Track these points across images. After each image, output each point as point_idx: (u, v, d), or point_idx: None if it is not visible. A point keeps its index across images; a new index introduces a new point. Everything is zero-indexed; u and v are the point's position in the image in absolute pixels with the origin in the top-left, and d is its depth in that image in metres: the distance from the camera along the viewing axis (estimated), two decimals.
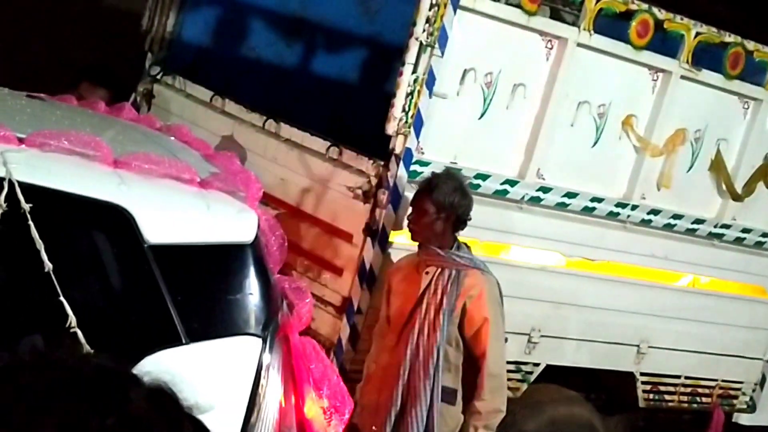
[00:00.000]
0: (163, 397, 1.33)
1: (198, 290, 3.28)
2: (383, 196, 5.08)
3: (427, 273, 4.65)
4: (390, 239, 5.10)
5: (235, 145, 5.56)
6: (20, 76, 4.66)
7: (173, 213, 3.29)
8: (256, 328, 3.29)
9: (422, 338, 4.54)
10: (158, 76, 6.20)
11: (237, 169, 3.61)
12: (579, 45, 5.40)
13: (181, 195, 3.32)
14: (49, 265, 3.02)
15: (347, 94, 6.75)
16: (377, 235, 5.09)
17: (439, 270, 4.63)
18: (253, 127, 5.68)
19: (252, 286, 3.32)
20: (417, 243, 4.76)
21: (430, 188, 4.66)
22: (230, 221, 3.36)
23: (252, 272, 3.32)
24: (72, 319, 3.04)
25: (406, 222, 4.86)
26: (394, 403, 4.54)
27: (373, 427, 4.62)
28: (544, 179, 5.56)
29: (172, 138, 3.93)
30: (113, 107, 4.24)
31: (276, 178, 5.45)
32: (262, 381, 3.24)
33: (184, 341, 3.19)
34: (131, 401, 1.29)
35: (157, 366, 3.15)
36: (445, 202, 4.62)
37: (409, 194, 5.01)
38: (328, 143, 5.34)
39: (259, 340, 3.27)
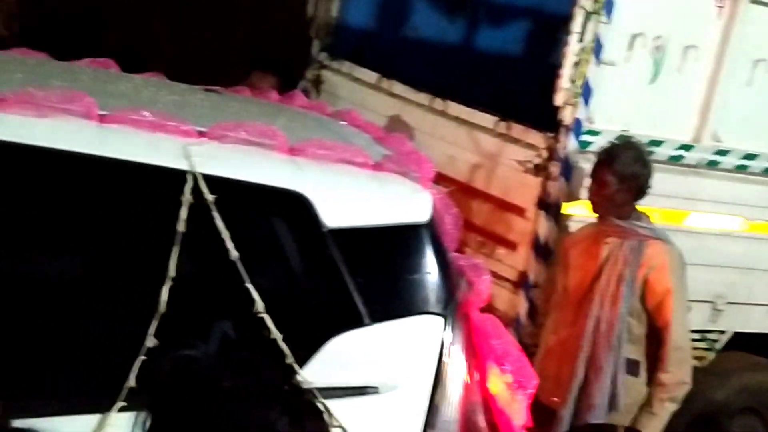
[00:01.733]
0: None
1: (378, 271, 3.31)
2: (554, 169, 5.04)
3: (606, 244, 4.58)
4: (563, 211, 5.06)
5: (403, 125, 5.60)
6: (192, 69, 4.80)
7: (349, 197, 3.33)
8: (436, 306, 3.30)
9: (603, 310, 4.48)
10: (325, 62, 6.29)
11: (409, 150, 3.64)
12: (752, 1, 5.22)
13: (355, 179, 3.37)
14: (235, 254, 3.11)
15: (513, 67, 6.71)
16: (550, 207, 5.05)
17: (620, 241, 4.55)
18: (421, 106, 5.71)
19: (430, 265, 3.33)
20: (594, 214, 4.69)
21: (610, 159, 4.57)
22: (405, 202, 3.38)
23: (429, 251, 3.34)
24: (260, 304, 3.12)
25: (585, 193, 4.79)
26: (577, 376, 4.50)
27: (555, 400, 4.59)
28: (720, 142, 5.40)
29: (343, 122, 3.99)
30: (285, 95, 4.33)
31: (445, 156, 5.47)
32: (446, 358, 3.26)
33: (366, 322, 3.23)
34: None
35: (342, 347, 3.21)
36: (625, 172, 4.53)
37: (581, 165, 4.96)
38: (497, 118, 5.33)
39: (441, 319, 3.29)
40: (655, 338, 4.54)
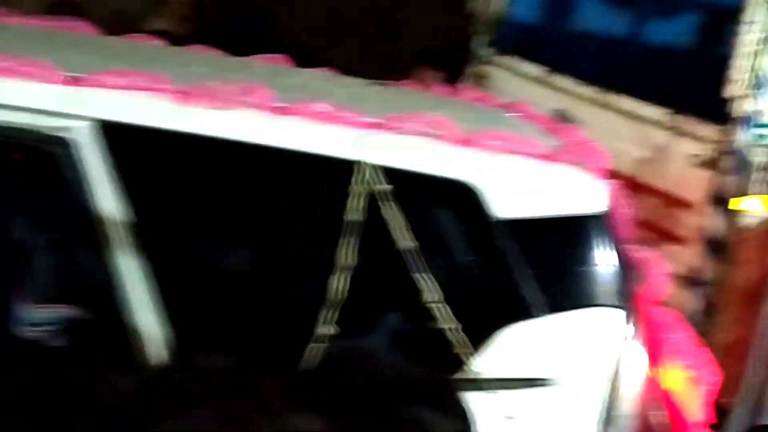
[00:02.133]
0: None
1: (553, 263, 3.28)
2: (726, 162, 4.91)
3: None
4: (735, 206, 4.92)
5: (569, 116, 5.54)
6: (359, 66, 4.85)
7: (522, 187, 3.31)
8: (613, 298, 3.25)
9: None
10: (489, 57, 6.27)
11: (582, 141, 3.59)
12: None
13: (528, 169, 3.34)
14: (412, 244, 3.13)
15: (682, 60, 6.54)
16: (721, 202, 4.92)
17: None
18: (587, 100, 5.63)
19: (606, 257, 3.28)
20: None
21: None
22: (580, 193, 3.34)
23: (605, 243, 3.29)
24: (435, 294, 3.13)
25: (758, 188, 4.65)
26: (755, 374, 4.37)
27: (727, 400, 4.46)
28: None
29: (514, 113, 3.96)
30: (452, 88, 4.33)
31: (612, 151, 5.37)
32: (624, 352, 3.20)
33: (540, 314, 3.20)
34: None
35: (514, 339, 3.19)
36: None
37: (754, 159, 4.83)
38: (667, 111, 5.21)
39: (618, 311, 3.23)
40: None
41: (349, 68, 4.27)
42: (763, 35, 4.77)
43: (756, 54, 4.80)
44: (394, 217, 3.16)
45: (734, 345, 4.53)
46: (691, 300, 4.98)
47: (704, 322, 4.88)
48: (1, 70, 3.02)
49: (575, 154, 3.41)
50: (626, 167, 5.35)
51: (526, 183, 3.32)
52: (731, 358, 4.51)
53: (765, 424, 4.39)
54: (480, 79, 6.30)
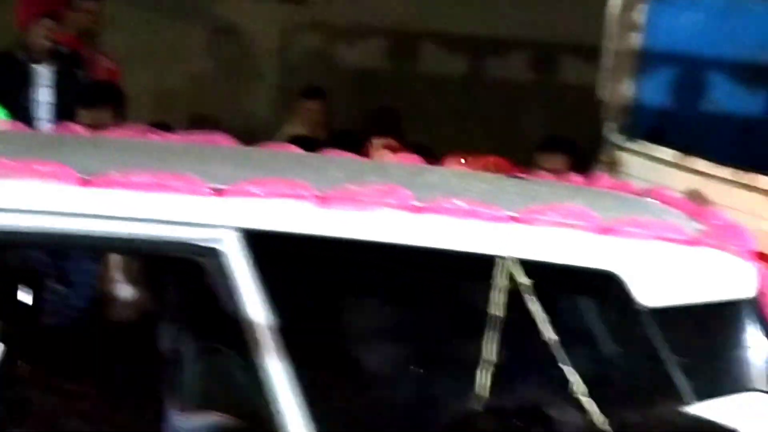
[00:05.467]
0: None
1: (702, 350, 3.22)
2: None
3: None
4: None
5: (706, 201, 5.44)
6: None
7: (666, 274, 3.26)
8: (764, 384, 3.17)
9: None
10: (621, 143, 6.24)
11: (726, 224, 3.53)
12: None
13: (673, 255, 3.29)
14: (553, 337, 3.11)
15: None
16: None
17: None
18: (726, 181, 5.53)
19: (758, 341, 3.21)
20: None
21: None
22: (727, 277, 3.28)
23: (757, 327, 3.22)
24: (579, 386, 3.09)
25: None
26: None
27: None
28: None
29: (653, 200, 3.93)
30: (587, 177, 4.32)
31: (757, 232, 5.25)
32: None
33: (690, 401, 3.13)
34: None
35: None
36: None
37: None
38: None
39: None
40: None
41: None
42: None
43: None
44: (536, 310, 3.14)
45: None
46: None
47: None
48: (151, 185, 3.13)
49: (720, 237, 3.36)
50: None
51: (671, 269, 3.27)
52: None
53: None
54: (613, 166, 6.26)
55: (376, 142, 5.96)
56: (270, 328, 3.15)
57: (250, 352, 3.15)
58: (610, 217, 3.36)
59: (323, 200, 3.20)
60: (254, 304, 3.13)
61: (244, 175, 3.32)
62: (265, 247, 3.18)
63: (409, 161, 4.46)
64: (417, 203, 3.27)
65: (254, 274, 3.15)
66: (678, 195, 4.26)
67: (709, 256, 3.30)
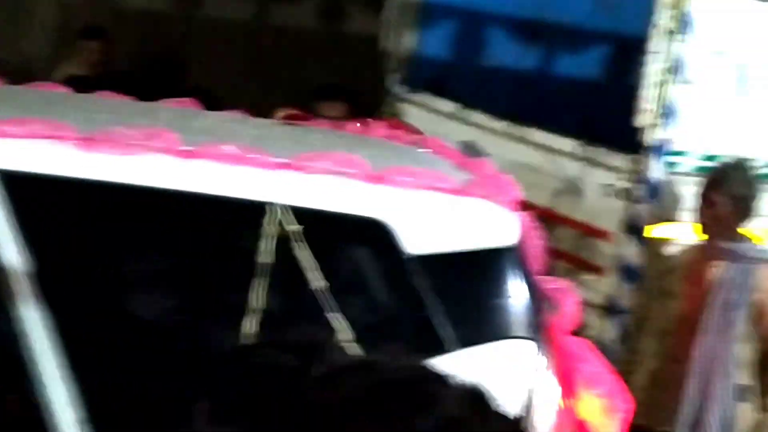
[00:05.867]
0: (477, 397, 1.32)
1: (463, 297, 3.29)
2: (640, 191, 4.96)
3: (715, 267, 4.43)
4: (649, 234, 4.98)
5: (483, 153, 5.57)
6: (267, 106, 4.84)
7: (433, 223, 3.31)
8: (525, 330, 3.26)
9: (716, 337, 4.33)
10: (402, 94, 6.31)
11: (493, 174, 3.61)
12: None
13: (439, 204, 3.35)
14: (322, 283, 3.11)
15: (592, 91, 6.65)
16: (637, 231, 4.97)
17: (730, 264, 4.40)
18: (501, 134, 5.68)
19: (518, 289, 3.30)
20: (703, 236, 4.56)
21: (721, 180, 4.47)
22: (491, 226, 3.35)
23: (517, 275, 3.31)
24: (345, 333, 3.11)
25: (694, 216, 4.68)
26: (691, 404, 4.35)
27: (666, 429, 4.45)
28: None
29: (424, 149, 3.98)
30: (364, 125, 4.33)
31: (526, 183, 5.41)
32: (537, 384, 3.21)
33: (453, 348, 3.20)
34: (448, 402, 1.29)
35: None
36: (737, 193, 4.42)
37: (668, 186, 4.89)
38: (578, 143, 5.27)
39: (530, 343, 3.24)
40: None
41: (259, 109, 4.27)
42: (668, 65, 4.85)
43: (662, 83, 4.87)
44: (305, 257, 3.13)
45: (670, 374, 4.50)
46: (610, 329, 5.02)
47: (621, 351, 4.91)
48: None
49: (485, 187, 3.43)
50: (542, 199, 5.40)
51: (437, 218, 3.32)
52: (665, 386, 4.49)
53: None
54: (394, 116, 6.31)
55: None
56: (28, 275, 3.02)
57: (6, 300, 3.02)
58: (379, 166, 3.37)
59: (85, 142, 3.09)
60: (10, 248, 3.00)
61: (4, 115, 3.16)
62: (23, 189, 3.05)
63: (185, 105, 4.35)
64: (185, 148, 3.20)
65: (11, 217, 3.02)
66: (450, 145, 4.34)
67: (473, 205, 3.36)
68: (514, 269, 3.30)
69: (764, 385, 4.41)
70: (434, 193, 3.34)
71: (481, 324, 3.29)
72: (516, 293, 3.29)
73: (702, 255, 4.53)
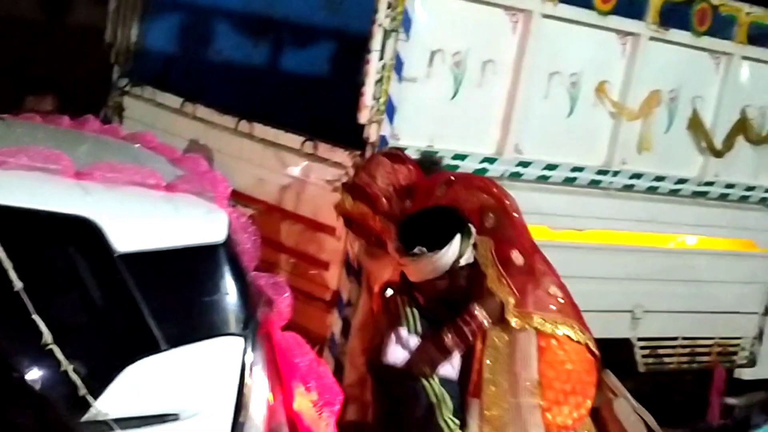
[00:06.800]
0: None
1: (173, 295, 3.23)
2: None
3: None
4: None
5: (208, 149, 5.53)
6: None
7: (140, 219, 3.25)
8: (236, 327, 3.25)
9: None
10: (126, 88, 6.17)
11: (204, 171, 3.58)
12: (544, 16, 5.37)
13: (147, 201, 3.28)
14: (18, 284, 2.99)
15: (319, 87, 6.74)
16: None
17: None
18: (227, 129, 5.64)
19: (228, 285, 3.28)
20: None
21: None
22: (199, 222, 3.32)
23: (227, 272, 3.28)
24: (47, 336, 3.00)
25: None
26: None
27: None
28: (522, 154, 5.52)
29: (137, 145, 3.90)
30: (77, 120, 4.20)
31: (254, 179, 5.42)
32: (247, 380, 3.21)
33: (163, 347, 3.15)
34: None
35: (139, 375, 3.12)
36: None
37: None
38: (303, 138, 5.31)
39: (241, 339, 3.23)
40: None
41: None
42: (389, 62, 4.95)
43: (383, 80, 4.97)
44: (1, 257, 2.99)
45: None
46: (334, 323, 5.09)
47: (343, 344, 4.99)
48: None
49: (196, 183, 3.39)
50: (269, 195, 5.41)
51: (145, 215, 3.26)
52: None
53: None
54: (119, 111, 6.18)
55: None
56: None
57: None
58: (86, 162, 3.27)
59: None
60: None
61: None
62: None
63: None
64: None
65: None
66: (171, 143, 4.27)
67: (183, 201, 3.32)
68: (224, 266, 3.28)
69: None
70: (143, 189, 3.28)
71: (192, 322, 3.25)
72: (226, 290, 3.27)
73: None
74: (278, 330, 3.31)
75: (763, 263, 6.66)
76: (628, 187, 5.92)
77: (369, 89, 4.98)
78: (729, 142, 6.27)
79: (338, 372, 4.73)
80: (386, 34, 4.95)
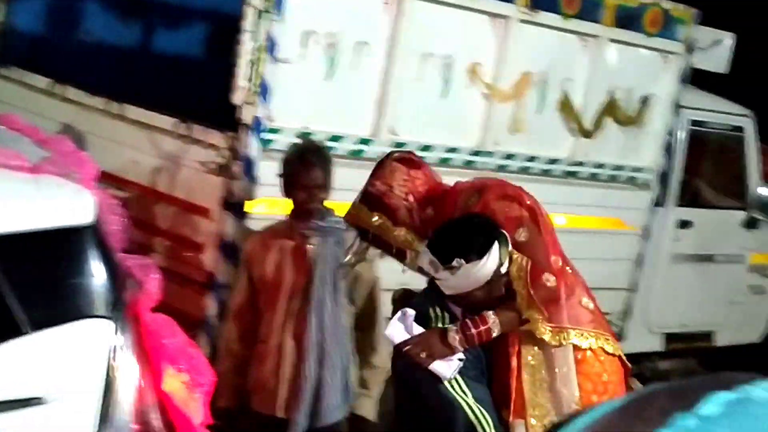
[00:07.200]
0: None
1: (37, 277, 3.19)
2: (237, 168, 5.02)
3: (312, 245, 4.47)
4: (247, 210, 5.05)
5: (78, 131, 5.43)
6: None
7: (3, 201, 3.19)
8: (103, 309, 3.22)
9: (327, 309, 4.38)
10: None
11: (70, 151, 3.52)
12: None
13: (10, 182, 3.22)
14: None
15: (192, 69, 6.65)
16: (234, 207, 5.03)
17: (325, 239, 4.45)
18: (98, 111, 5.55)
19: (95, 267, 3.24)
20: (286, 214, 4.57)
21: (311, 163, 4.47)
22: (66, 204, 3.27)
23: (94, 254, 3.25)
24: None
25: (270, 192, 4.72)
26: (308, 378, 4.36)
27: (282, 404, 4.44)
28: (397, 135, 5.56)
29: (1, 127, 3.81)
30: None
31: (127, 161, 5.34)
32: (115, 362, 3.18)
33: (27, 331, 3.10)
34: None
35: (2, 359, 3.06)
36: (322, 172, 4.46)
37: (264, 163, 4.97)
38: (176, 120, 5.26)
39: (108, 322, 3.20)
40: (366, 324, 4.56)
41: None
42: (262, 43, 4.93)
43: (256, 61, 4.95)
44: None
45: (277, 352, 4.44)
46: (210, 305, 5.06)
47: (219, 326, 4.95)
48: None
49: (62, 164, 3.34)
50: (143, 177, 5.34)
51: (8, 196, 3.20)
52: (275, 365, 4.42)
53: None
54: None
55: None
56: None
57: None
58: None
59: None
60: None
61: None
62: None
63: None
64: None
65: None
66: (41, 125, 4.19)
67: (48, 183, 3.27)
68: (90, 248, 3.24)
69: (362, 344, 4.56)
70: (6, 171, 3.22)
71: (57, 304, 3.21)
72: (93, 272, 3.23)
73: (289, 233, 4.55)
74: (147, 311, 3.28)
75: (630, 240, 6.86)
76: (502, 168, 6.01)
77: (242, 70, 4.96)
78: (598, 123, 6.42)
79: (215, 356, 4.67)
80: (259, 15, 4.93)
